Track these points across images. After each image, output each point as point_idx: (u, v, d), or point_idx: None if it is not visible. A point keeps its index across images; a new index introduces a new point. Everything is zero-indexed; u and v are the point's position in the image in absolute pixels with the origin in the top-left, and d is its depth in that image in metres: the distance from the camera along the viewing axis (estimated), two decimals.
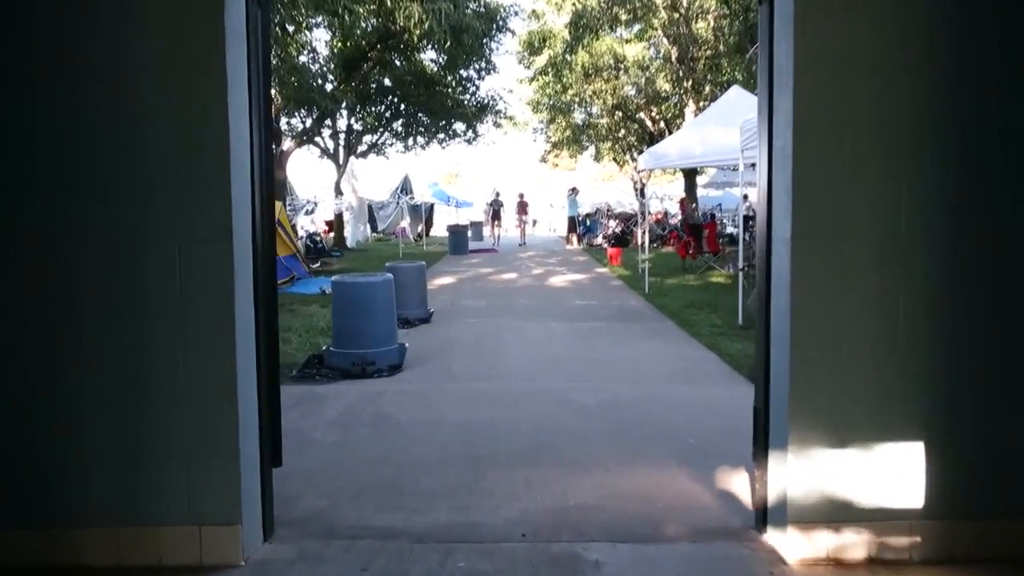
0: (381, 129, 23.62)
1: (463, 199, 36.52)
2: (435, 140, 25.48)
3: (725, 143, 11.40)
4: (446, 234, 25.41)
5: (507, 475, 4.31)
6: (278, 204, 14.29)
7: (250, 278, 3.42)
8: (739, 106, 12.60)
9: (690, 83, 21.14)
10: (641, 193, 31.71)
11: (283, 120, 17.93)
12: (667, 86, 22.91)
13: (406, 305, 9.68)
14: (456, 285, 14.63)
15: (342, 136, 23.74)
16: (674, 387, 6.47)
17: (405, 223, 27.89)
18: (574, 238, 27.41)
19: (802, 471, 3.27)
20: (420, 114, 22.54)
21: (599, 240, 25.18)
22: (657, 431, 5.14)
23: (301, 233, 31.00)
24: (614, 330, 9.29)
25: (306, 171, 32.94)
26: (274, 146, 17.95)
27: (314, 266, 16.49)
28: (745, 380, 6.62)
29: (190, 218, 3.20)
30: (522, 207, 32.06)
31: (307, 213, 27.39)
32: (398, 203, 25.90)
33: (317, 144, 23.85)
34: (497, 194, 33.34)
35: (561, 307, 11.39)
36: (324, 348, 7.21)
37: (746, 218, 26.99)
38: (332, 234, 24.69)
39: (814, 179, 3.24)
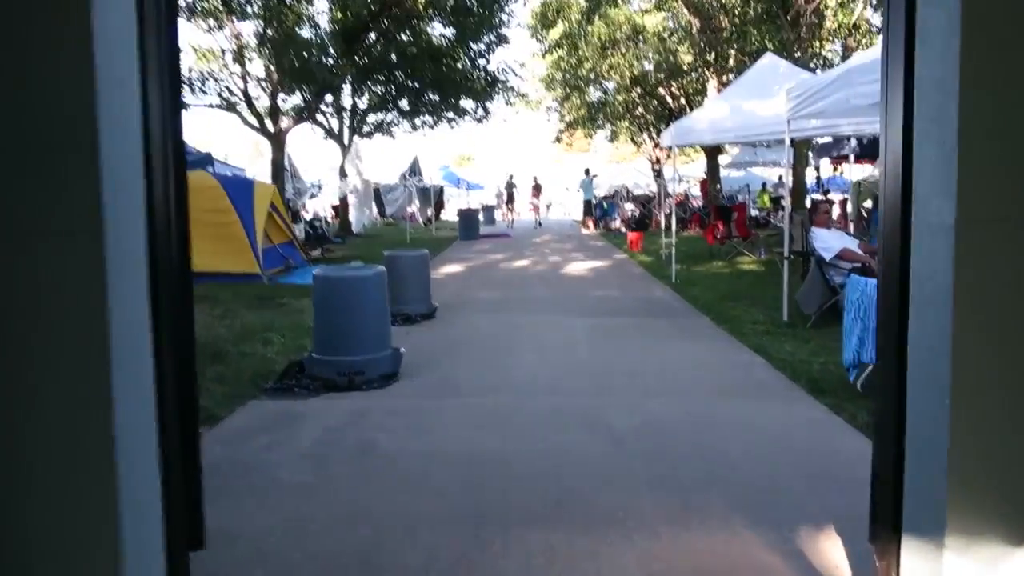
0: (387, 107, 22.46)
1: (475, 182, 35.36)
2: (444, 119, 24.29)
3: (763, 115, 10.21)
4: (456, 219, 24.28)
5: (521, 542, 3.23)
6: (271, 187, 13.24)
7: (144, 289, 2.33)
8: (774, 74, 11.44)
9: (713, 55, 19.84)
10: (659, 174, 30.58)
11: (280, 97, 16.86)
12: (688, 58, 21.60)
13: (406, 299, 8.61)
14: (465, 274, 13.54)
15: (346, 115, 22.63)
16: (723, 404, 5.35)
17: (414, 207, 26.81)
18: (590, 222, 26.24)
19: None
20: (427, 91, 21.34)
21: (617, 224, 24.01)
22: (712, 471, 4.04)
23: (308, 217, 30.04)
24: (642, 327, 8.17)
25: (311, 152, 31.94)
26: (270, 124, 16.90)
27: (314, 253, 15.44)
28: (806, 393, 5.52)
29: (35, 198, 2.10)
30: (536, 190, 32.07)
31: (312, 197, 26.36)
32: (406, 186, 24.77)
33: (320, 124, 22.73)
34: (511, 177, 32.89)
35: (581, 299, 10.28)
36: (306, 354, 6.13)
37: (775, 199, 25.80)
38: (339, 219, 23.68)
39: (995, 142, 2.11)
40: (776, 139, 11.28)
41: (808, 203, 15.49)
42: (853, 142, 18.19)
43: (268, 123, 16.59)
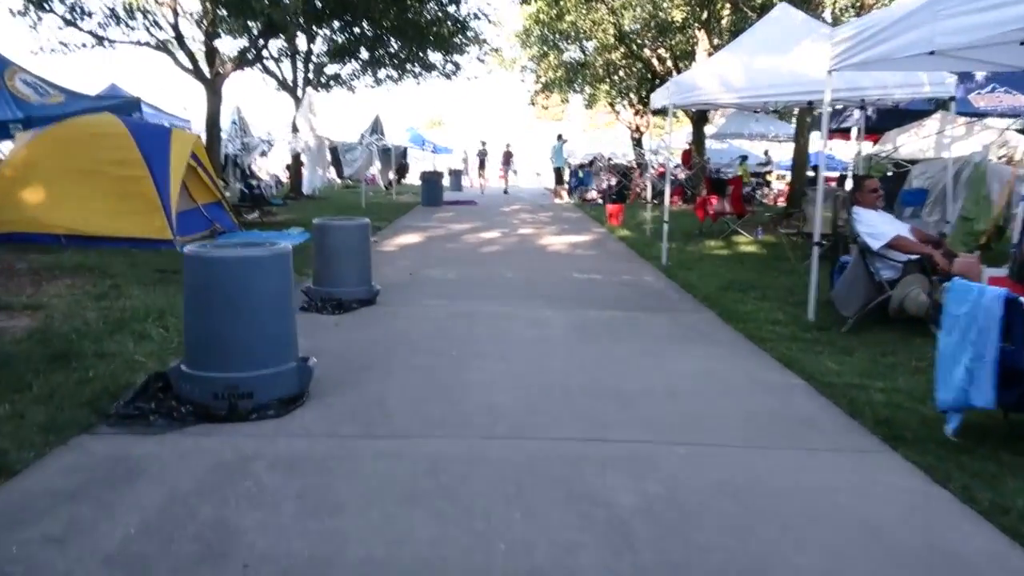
0: (345, 56, 20.31)
1: (441, 145, 33.32)
2: (409, 74, 22.20)
3: (782, 72, 8.53)
4: (420, 183, 22.35)
5: None
6: (193, 136, 11.27)
7: None
8: (789, 28, 9.73)
9: (706, 14, 18.06)
10: (638, 143, 28.83)
11: (219, 36, 14.72)
12: (679, 15, 19.78)
13: (339, 280, 6.86)
14: (422, 246, 11.73)
15: (300, 64, 20.49)
16: (768, 460, 3.69)
17: (375, 169, 24.78)
18: (563, 192, 24.47)
19: None
20: (388, 36, 19.19)
21: (593, 195, 22.28)
22: None
23: (264, 176, 27.80)
24: (636, 325, 6.49)
25: (264, 106, 29.58)
26: (206, 68, 14.80)
27: (251, 216, 13.50)
28: (880, 441, 3.91)
29: None
30: (507, 157, 30.74)
31: (262, 154, 24.21)
32: (366, 146, 22.70)
33: (271, 72, 20.56)
34: (483, 144, 31.70)
35: (557, 284, 8.55)
36: (174, 364, 4.33)
37: (762, 175, 24.24)
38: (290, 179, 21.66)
39: None
40: (795, 101, 9.61)
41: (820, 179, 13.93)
42: (856, 114, 16.64)
43: (204, 67, 14.50)
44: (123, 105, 14.95)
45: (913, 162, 13.49)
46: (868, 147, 20.62)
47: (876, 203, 6.34)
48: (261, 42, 15.55)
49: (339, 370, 4.92)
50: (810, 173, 21.78)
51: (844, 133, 18.87)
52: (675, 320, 6.74)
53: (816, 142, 14.84)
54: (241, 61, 14.87)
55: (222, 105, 15.29)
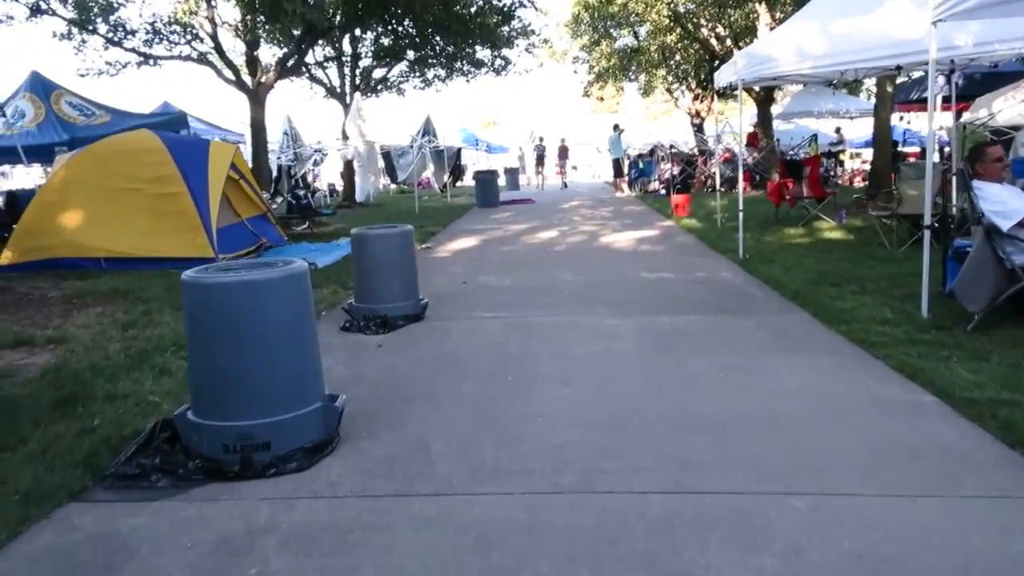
0: (391, 58, 19.79)
1: (496, 144, 32.69)
2: (458, 72, 21.57)
3: (873, 34, 7.54)
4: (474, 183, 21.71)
5: None
6: (231, 147, 10.81)
7: None
8: None
9: None
10: (699, 129, 27.63)
11: (259, 44, 14.33)
12: None
13: (382, 295, 6.20)
14: (477, 250, 11.05)
15: (347, 69, 20.07)
16: (916, 512, 2.84)
17: (428, 172, 24.28)
18: (623, 184, 23.52)
19: None
20: (432, 34, 18.54)
21: (655, 185, 21.29)
22: None
23: (320, 186, 27.63)
24: (718, 332, 5.64)
25: (315, 115, 29.37)
26: (248, 78, 14.43)
27: (300, 228, 13.04)
28: None
29: None
30: (563, 152, 30.76)
31: (315, 164, 23.96)
32: (419, 149, 22.21)
33: (318, 80, 20.21)
34: (540, 139, 31.56)
35: (624, 285, 7.75)
36: (181, 409, 3.70)
37: (835, 154, 22.89)
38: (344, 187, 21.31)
39: None
40: (881, 67, 8.59)
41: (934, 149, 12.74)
42: (941, 80, 15.30)
43: (247, 77, 14.14)
44: (170, 121, 14.78)
45: (1016, 128, 12.17)
46: (950, 117, 19.12)
47: (1001, 175, 5.36)
48: (303, 48, 15.13)
49: (378, 403, 4.25)
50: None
51: (924, 104, 17.50)
52: (763, 323, 5.87)
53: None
54: (283, 69, 14.46)
55: (271, 116, 14.95)
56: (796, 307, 6.37)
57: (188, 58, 14.32)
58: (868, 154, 29.14)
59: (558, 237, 12.05)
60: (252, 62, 14.02)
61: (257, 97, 13.89)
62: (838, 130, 28.18)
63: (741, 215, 9.08)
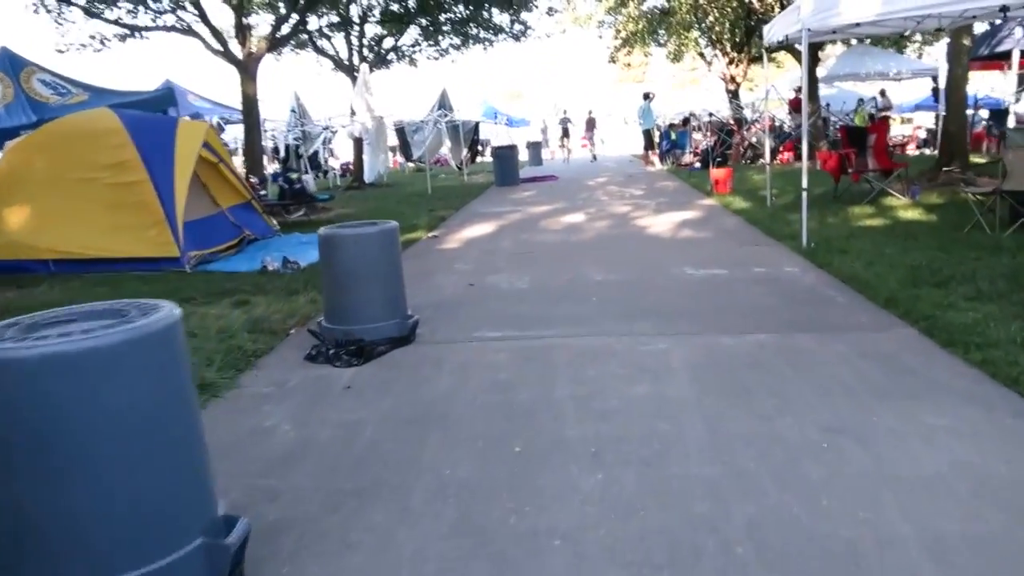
0: (401, 25, 18.22)
1: (517, 117, 31.09)
2: (474, 40, 19.95)
3: None
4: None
5: None
6: (202, 126, 9.46)
7: None
8: None
9: None
10: (735, 95, 25.78)
11: (247, 13, 12.89)
12: None
13: (360, 313, 4.82)
14: (490, 240, 9.60)
15: (354, 38, 18.58)
16: None
17: (445, 149, 22.81)
18: (655, 157, 21.84)
19: None
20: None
21: (688, 158, 19.64)
22: None
23: (336, 165, 26.27)
24: (802, 362, 4.16)
25: (325, 91, 27.93)
26: (238, 48, 13.03)
27: (295, 215, 11.68)
28: None
29: None
30: (591, 124, 29.84)
31: (325, 143, 22.60)
32: (435, 124, 20.73)
33: (322, 51, 18.76)
34: (565, 112, 30.82)
35: (666, 287, 6.28)
36: None
37: (883, 119, 21.04)
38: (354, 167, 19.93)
39: None
40: (982, 8, 6.97)
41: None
42: (1019, 32, 13.49)
43: (236, 48, 12.75)
44: (155, 99, 13.43)
45: None
46: None
47: None
48: (300, 13, 13.69)
49: (319, 501, 2.89)
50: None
51: (996, 61, 15.64)
52: (859, 346, 4.38)
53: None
54: (275, 39, 13.03)
55: (278, 92, 13.60)
56: (896, 320, 4.88)
57: (174, 29, 12.97)
58: (920, 118, 27.17)
59: (585, 222, 10.56)
60: (241, 30, 12.63)
61: (247, 69, 12.50)
62: (883, 93, 26.18)
63: (804, 195, 7.52)
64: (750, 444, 3.17)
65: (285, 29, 13.67)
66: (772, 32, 9.07)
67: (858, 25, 8.40)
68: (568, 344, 4.75)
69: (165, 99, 13.60)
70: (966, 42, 11.11)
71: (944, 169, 10.79)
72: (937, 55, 25.52)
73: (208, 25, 12.45)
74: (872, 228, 8.16)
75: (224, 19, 13.00)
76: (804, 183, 7.49)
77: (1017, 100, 18.98)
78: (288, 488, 3.02)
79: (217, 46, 12.60)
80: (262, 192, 11.29)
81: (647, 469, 3.00)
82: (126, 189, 7.81)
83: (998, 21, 12.68)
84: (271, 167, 19.37)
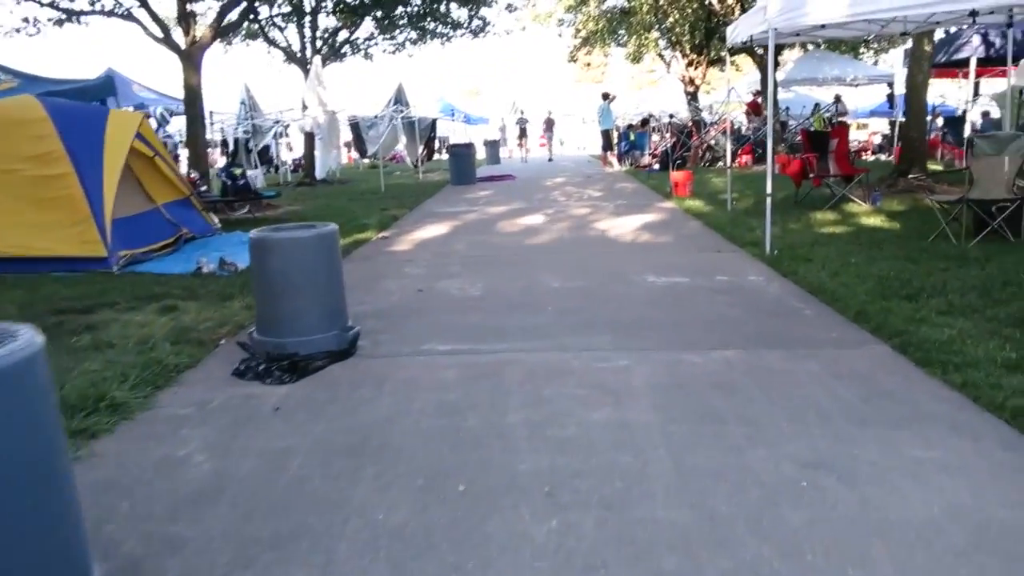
0: (352, 17, 17.68)
1: (476, 115, 30.68)
2: (431, 35, 19.49)
3: None
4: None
5: None
6: (135, 116, 8.89)
7: None
8: None
9: None
10: (693, 97, 25.73)
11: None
12: None
13: (294, 324, 4.41)
14: (443, 241, 9.20)
15: (307, 28, 17.98)
16: None
17: (400, 145, 22.30)
18: (613, 158, 21.63)
19: None
20: None
21: (647, 160, 19.46)
22: None
23: (288, 160, 25.50)
24: (774, 384, 3.86)
25: (278, 84, 27.12)
26: (182, 37, 12.40)
27: (239, 212, 11.14)
28: None
29: None
30: (548, 124, 29.88)
31: (277, 136, 21.93)
32: (390, 120, 20.21)
33: (276, 43, 18.12)
34: (522, 111, 30.97)
35: (627, 296, 5.96)
36: None
37: (841, 123, 21.09)
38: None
39: None
40: (952, 12, 6.79)
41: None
42: (976, 40, 13.53)
43: (180, 36, 12.11)
44: (91, 88, 12.75)
45: None
46: (994, 83, 17.33)
47: None
48: (244, 4, 13.09)
49: (227, 557, 2.46)
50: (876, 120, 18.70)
51: (951, 69, 15.72)
52: (832, 365, 4.10)
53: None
54: (221, 27, 12.42)
55: (228, 84, 12.98)
56: (868, 335, 4.62)
57: (112, 14, 12.28)
58: (875, 124, 27.46)
59: (542, 224, 10.21)
60: (185, 18, 12.00)
61: (191, 58, 11.88)
62: (838, 98, 26.38)
63: (769, 201, 7.27)
64: (721, 481, 2.84)
65: (234, 16, 13.06)
66: (736, 33, 8.84)
67: (823, 27, 8.22)
68: (522, 360, 4.38)
69: (103, 88, 12.91)
70: (927, 48, 11.05)
71: (910, 176, 10.71)
72: (892, 61, 25.79)
73: (148, 10, 11.80)
74: (836, 235, 7.96)
75: (168, 5, 12.35)
76: (768, 188, 7.24)
77: (971, 108, 19.21)
78: (195, 536, 2.61)
79: (158, 33, 11.95)
80: (203, 188, 10.72)
81: (608, 513, 2.65)
82: (49, 183, 7.23)
83: (953, 29, 12.70)
84: (221, 161, 18.70)
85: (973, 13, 6.54)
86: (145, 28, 11.95)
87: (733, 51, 11.87)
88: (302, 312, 4.42)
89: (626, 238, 8.74)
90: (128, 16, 12.12)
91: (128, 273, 7.15)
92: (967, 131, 13.88)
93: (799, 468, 2.92)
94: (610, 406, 3.63)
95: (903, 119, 20.89)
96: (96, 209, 7.22)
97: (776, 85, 18.93)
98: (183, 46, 11.96)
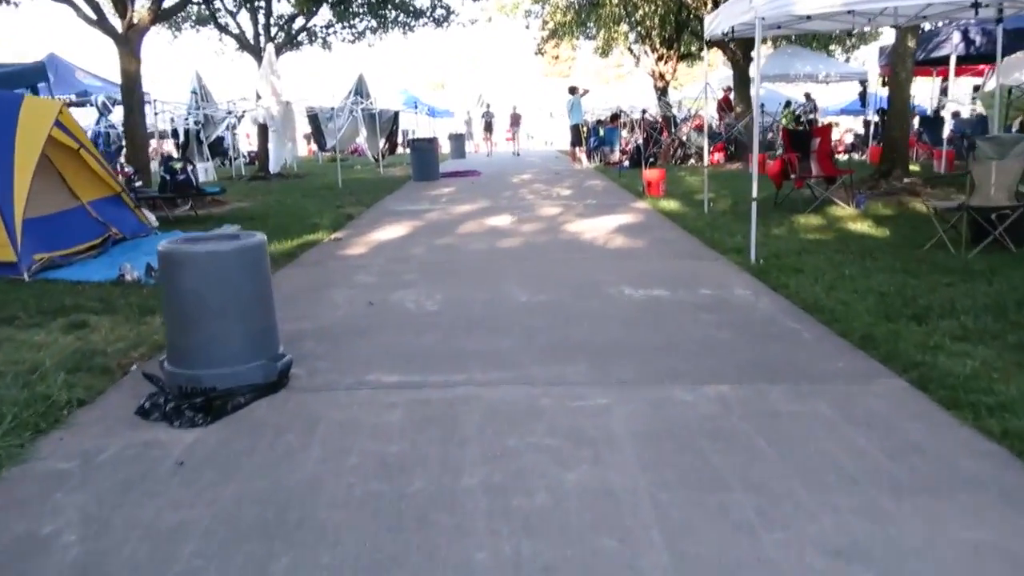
0: (308, 4, 16.79)
1: (440, 108, 29.90)
2: (392, 24, 18.68)
3: None
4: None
5: None
6: (52, 104, 8.04)
7: None
8: None
9: None
10: (663, 93, 25.23)
11: None
12: None
13: (209, 355, 3.69)
14: (401, 245, 8.49)
15: (261, 16, 17.07)
16: None
17: (361, 138, 21.45)
18: (582, 154, 21.02)
19: None
20: None
21: (616, 156, 18.88)
22: None
23: (236, 152, 24.45)
24: (780, 432, 3.24)
25: (233, 73, 26.03)
26: (118, 21, 11.50)
27: (182, 210, 10.29)
28: None
29: None
30: (515, 119, 29.55)
31: (231, 127, 20.95)
32: (350, 112, 19.37)
33: (227, 29, 17.19)
34: (488, 106, 30.65)
35: (602, 314, 5.31)
36: None
37: (810, 121, 20.79)
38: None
39: None
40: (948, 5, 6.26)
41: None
42: (956, 37, 13.14)
43: (116, 19, 11.21)
44: (21, 74, 11.79)
45: None
46: (968, 82, 17.02)
47: None
48: None
49: None
50: (841, 117, 18.35)
51: (926, 67, 15.35)
52: (843, 406, 3.50)
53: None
54: (161, 10, 11.50)
55: (179, 71, 12.05)
56: (879, 366, 4.03)
57: None
58: (845, 123, 27.20)
59: (508, 225, 9.55)
60: (121, 0, 11.09)
61: (128, 43, 10.97)
62: (808, 96, 26.08)
63: (755, 206, 6.68)
64: None
65: None
66: (716, 23, 8.25)
67: (809, 18, 7.67)
68: (482, 396, 3.72)
69: (35, 74, 11.96)
70: (911, 44, 10.58)
71: (907, 180, 10.26)
72: (864, 58, 25.56)
73: None
74: (823, 242, 7.42)
75: None
76: (754, 191, 6.66)
77: (942, 107, 18.93)
78: None
79: (92, 15, 11.03)
80: (138, 183, 9.86)
81: None
82: None
83: (940, 24, 12.28)
84: (169, 152, 17.71)
85: (976, 5, 6.02)
86: (78, 9, 11.01)
87: (711, 43, 11.30)
88: (221, 339, 3.71)
89: (598, 242, 8.12)
90: None
91: (40, 280, 6.34)
92: (946, 131, 13.50)
93: (829, 559, 2.31)
94: (588, 463, 2.99)
95: (877, 118, 20.68)
96: (4, 208, 6.40)
97: (750, 82, 18.50)
98: (119, 29, 11.04)
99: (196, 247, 3.69)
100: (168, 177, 9.79)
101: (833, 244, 7.28)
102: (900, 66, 10.63)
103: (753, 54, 6.51)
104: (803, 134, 10.31)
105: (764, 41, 22.13)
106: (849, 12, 7.79)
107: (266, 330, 3.90)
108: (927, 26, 13.18)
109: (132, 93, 11.28)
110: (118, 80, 16.97)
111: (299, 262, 7.37)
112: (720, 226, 8.47)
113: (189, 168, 9.99)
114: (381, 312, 5.44)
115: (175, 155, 14.00)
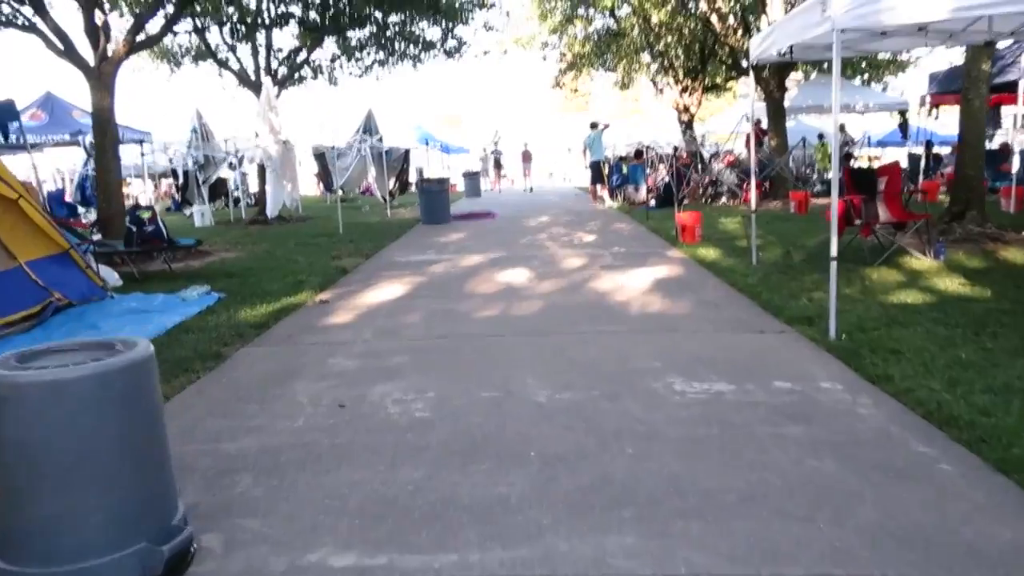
0: (310, 37, 15.75)
1: (455, 144, 28.86)
2: (400, 56, 17.61)
3: None
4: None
5: None
6: None
7: None
8: None
9: None
10: (688, 126, 23.97)
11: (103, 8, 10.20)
12: None
13: (56, 543, 2.31)
14: (393, 313, 7.13)
15: (261, 49, 16.06)
16: None
17: (370, 178, 20.31)
18: (604, 192, 19.72)
19: None
20: (369, 6, 14.63)
21: (643, 196, 17.56)
22: None
23: (243, 194, 23.41)
24: None
25: (236, 110, 25.09)
26: (90, 54, 10.40)
27: (153, 267, 9.04)
28: None
29: None
30: (526, 156, 28.95)
31: (232, 168, 19.93)
32: (358, 151, 18.26)
33: (224, 63, 16.18)
34: (496, 143, 30.22)
35: (649, 427, 3.92)
36: None
37: (848, 155, 19.46)
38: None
39: None
40: None
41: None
42: None
43: (88, 51, 10.13)
44: None
45: None
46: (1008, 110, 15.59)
47: None
48: (167, 13, 11.13)
49: None
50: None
51: (1000, 92, 13.91)
52: None
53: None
54: (136, 42, 10.39)
55: (181, 109, 10.96)
56: None
57: (11, 23, 10.28)
58: (891, 154, 25.78)
59: (525, 283, 8.18)
60: (93, 31, 10.02)
61: (101, 77, 9.87)
62: (842, 128, 24.71)
63: (834, 266, 5.29)
64: None
65: (156, 28, 11.09)
66: (769, 43, 6.97)
67: (883, 35, 6.37)
68: None
69: (3, 112, 10.87)
70: (985, 67, 9.23)
71: (988, 225, 8.88)
72: (902, 88, 24.22)
73: (45, 19, 9.79)
74: (913, 307, 6.00)
75: (77, 17, 10.33)
76: (833, 249, 5.27)
77: (991, 139, 17.50)
78: None
79: (60, 46, 9.94)
80: (96, 236, 8.65)
81: None
82: None
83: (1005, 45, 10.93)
84: (136, 198, 16.61)
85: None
86: (47, 40, 9.94)
87: (745, 71, 10.00)
88: (71, 516, 2.38)
89: (633, 307, 6.74)
90: (29, 27, 10.11)
91: None
92: (1015, 166, 12.06)
93: None
94: None
95: (922, 150, 19.26)
96: None
97: (783, 114, 17.20)
98: (91, 62, 9.94)
99: (27, 375, 2.38)
100: (134, 228, 8.56)
101: (928, 311, 5.85)
102: (973, 92, 9.25)
103: (838, 68, 5.15)
104: (868, 173, 8.93)
105: (795, 69, 20.88)
106: (922, 30, 6.50)
107: (149, 498, 2.56)
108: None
109: (105, 132, 10.15)
110: (123, 121, 16.01)
111: (268, 337, 6.07)
112: (775, 284, 7.09)
113: (194, 211, 8.74)
114: (353, 422, 4.09)
115: (141, 203, 12.84)
